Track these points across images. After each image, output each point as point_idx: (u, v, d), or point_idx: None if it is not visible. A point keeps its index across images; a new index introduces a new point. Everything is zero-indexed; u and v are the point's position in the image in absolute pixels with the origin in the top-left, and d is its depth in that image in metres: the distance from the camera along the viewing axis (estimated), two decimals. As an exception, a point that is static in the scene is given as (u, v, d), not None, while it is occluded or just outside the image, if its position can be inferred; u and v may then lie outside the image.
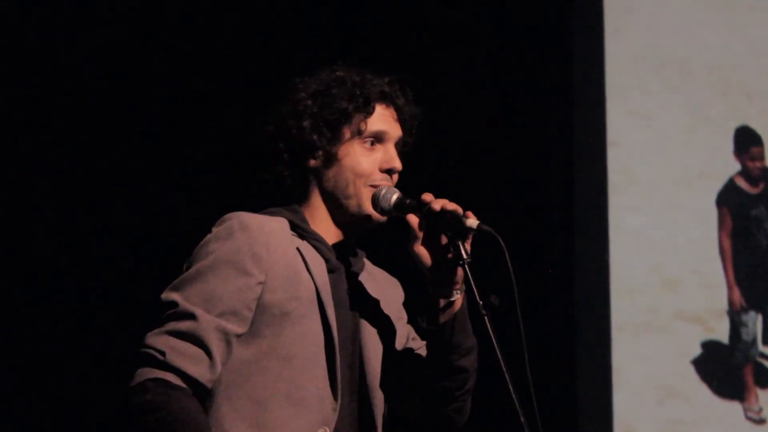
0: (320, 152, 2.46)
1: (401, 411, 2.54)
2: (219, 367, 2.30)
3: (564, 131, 5.03)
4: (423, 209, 2.42)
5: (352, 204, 2.47)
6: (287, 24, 4.72)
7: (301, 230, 2.44)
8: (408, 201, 2.46)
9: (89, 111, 4.54)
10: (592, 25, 5.12)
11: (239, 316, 2.32)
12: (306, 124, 2.45)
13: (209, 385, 2.30)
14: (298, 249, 2.41)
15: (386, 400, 2.48)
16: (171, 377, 2.26)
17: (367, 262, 2.58)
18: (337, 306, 2.40)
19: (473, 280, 2.35)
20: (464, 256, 2.36)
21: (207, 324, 2.28)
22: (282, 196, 2.51)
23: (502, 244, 2.33)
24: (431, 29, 4.94)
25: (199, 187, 4.50)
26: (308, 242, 2.43)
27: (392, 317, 2.55)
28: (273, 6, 4.73)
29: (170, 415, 2.23)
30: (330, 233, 2.48)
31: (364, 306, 2.49)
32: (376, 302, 2.52)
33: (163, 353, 2.26)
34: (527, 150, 4.95)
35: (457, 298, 2.44)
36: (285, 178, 2.48)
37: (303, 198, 2.49)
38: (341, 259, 2.48)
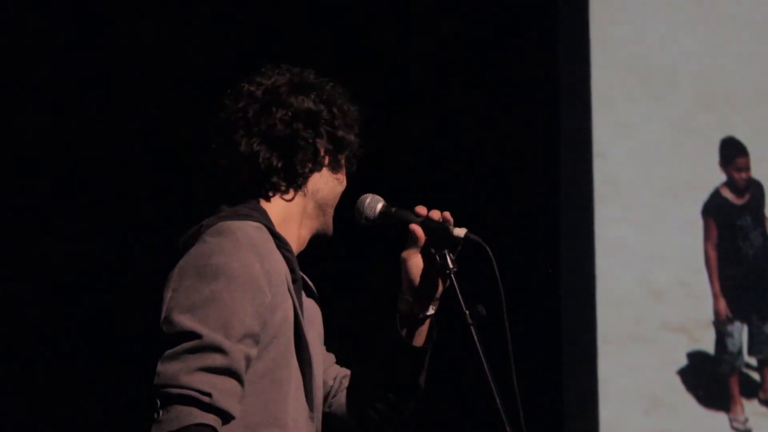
0: (343, 158, 2.40)
1: (336, 422, 2.51)
2: None
3: (550, 141, 5.03)
4: (416, 220, 2.41)
5: (330, 214, 2.41)
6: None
7: (276, 238, 2.30)
8: (393, 210, 2.45)
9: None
10: (578, 35, 5.13)
11: (255, 338, 2.20)
12: (349, 135, 2.39)
13: None
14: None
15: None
16: (213, 420, 2.14)
17: None
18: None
19: (459, 290, 2.34)
20: (450, 265, 2.35)
21: (237, 354, 2.16)
22: (254, 180, 2.32)
23: (490, 253, 2.32)
24: (418, 38, 4.95)
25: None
26: (281, 252, 2.30)
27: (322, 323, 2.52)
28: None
29: None
30: (293, 240, 2.36)
31: (310, 315, 2.43)
32: (317, 310, 2.47)
33: (209, 394, 2.12)
34: (513, 160, 4.95)
35: (431, 315, 2.42)
36: (304, 169, 2.33)
37: (289, 191, 2.35)
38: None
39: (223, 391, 2.14)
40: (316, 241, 2.43)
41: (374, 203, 2.45)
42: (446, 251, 2.36)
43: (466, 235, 2.35)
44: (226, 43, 4.68)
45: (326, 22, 4.82)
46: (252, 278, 2.19)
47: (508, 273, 2.36)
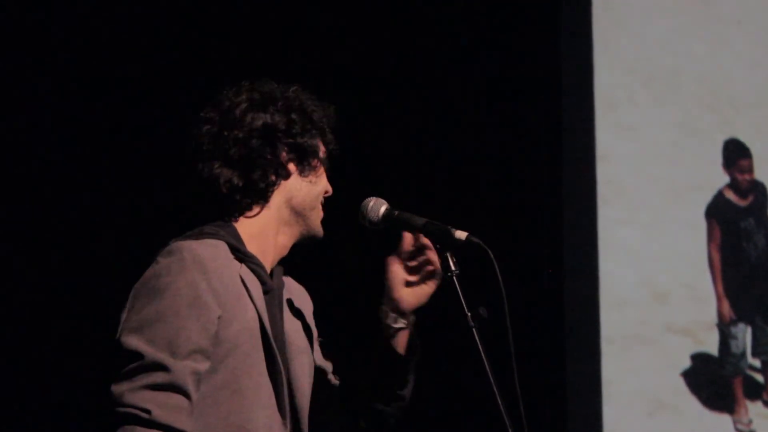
0: (313, 161, 2.44)
1: (326, 429, 2.53)
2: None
3: (553, 144, 5.04)
4: (419, 223, 2.41)
5: (314, 216, 2.45)
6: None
7: (240, 253, 2.36)
8: (396, 213, 2.46)
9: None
10: (580, 38, 5.13)
11: (205, 353, 2.26)
12: (313, 139, 2.42)
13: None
14: (240, 276, 2.35)
15: (311, 419, 2.46)
16: None
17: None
18: (272, 330, 2.37)
19: (461, 292, 2.35)
20: (452, 267, 2.36)
21: (181, 370, 2.23)
22: (220, 202, 2.39)
23: (492, 256, 2.33)
24: (420, 40, 4.96)
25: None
26: (246, 265, 2.36)
27: (312, 334, 2.53)
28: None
29: None
30: (269, 251, 2.41)
31: (292, 325, 2.46)
32: (301, 320, 2.50)
33: (148, 411, 2.19)
34: (516, 163, 4.96)
35: (401, 328, 2.43)
36: (266, 183, 2.39)
37: (253, 207, 2.40)
38: (273, 279, 2.44)
39: (164, 406, 2.21)
40: (306, 244, 2.46)
41: (377, 207, 2.47)
42: (448, 254, 2.37)
43: (467, 237, 2.36)
44: (224, 46, 4.69)
45: (327, 24, 4.82)
46: (197, 296, 2.26)
47: (510, 275, 2.37)
